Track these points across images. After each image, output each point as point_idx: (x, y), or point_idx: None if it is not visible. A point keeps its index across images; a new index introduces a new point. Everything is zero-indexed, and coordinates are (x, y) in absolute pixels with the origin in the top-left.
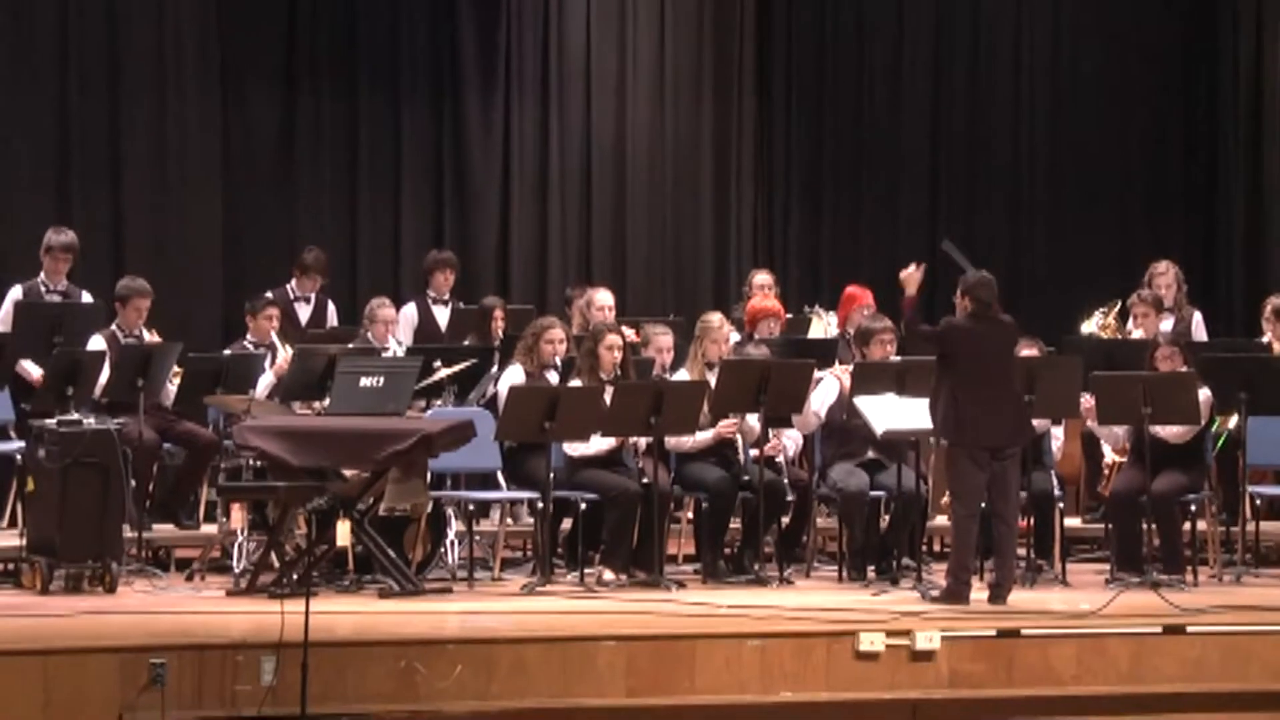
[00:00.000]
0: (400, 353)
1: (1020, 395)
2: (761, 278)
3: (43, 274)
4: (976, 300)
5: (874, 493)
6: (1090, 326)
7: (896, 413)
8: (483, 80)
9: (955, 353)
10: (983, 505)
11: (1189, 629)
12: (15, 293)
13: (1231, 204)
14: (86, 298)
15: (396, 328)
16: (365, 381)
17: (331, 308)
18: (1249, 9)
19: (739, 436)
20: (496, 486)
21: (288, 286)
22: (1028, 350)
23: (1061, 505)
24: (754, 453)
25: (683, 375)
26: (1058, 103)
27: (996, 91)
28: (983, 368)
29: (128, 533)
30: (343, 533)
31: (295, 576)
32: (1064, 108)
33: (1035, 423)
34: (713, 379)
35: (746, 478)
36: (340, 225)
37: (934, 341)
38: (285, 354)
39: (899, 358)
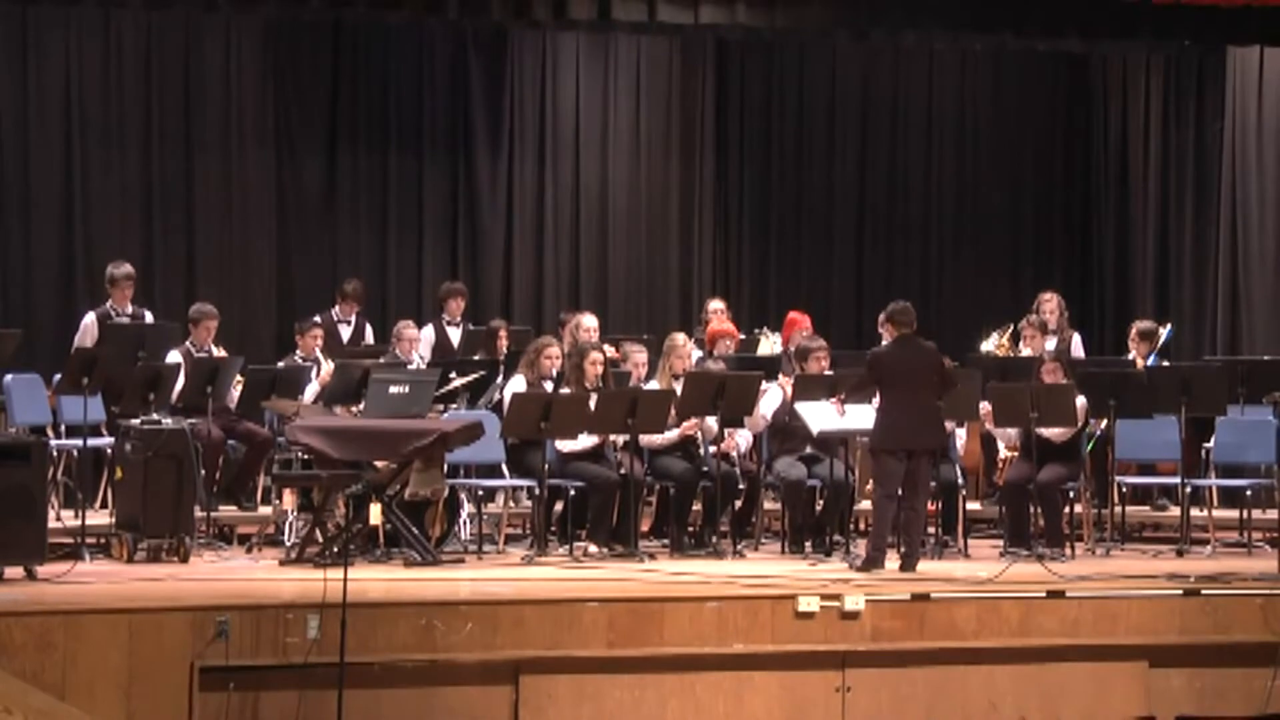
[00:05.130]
0: (422, 366)
1: (936, 406)
2: (715, 304)
3: (110, 301)
4: (897, 325)
5: (811, 481)
6: (988, 346)
7: (830, 415)
8: (490, 142)
9: (882, 376)
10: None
11: (1068, 593)
12: (89, 318)
13: (1103, 246)
14: (149, 318)
15: (419, 345)
16: (394, 389)
17: (368, 329)
18: (1116, 88)
19: (700, 435)
20: (500, 475)
21: (332, 311)
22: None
23: (964, 492)
24: (712, 448)
25: (654, 385)
26: (961, 163)
27: (911, 152)
28: (904, 385)
29: (198, 513)
30: (375, 513)
31: (335, 549)
32: (966, 166)
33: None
34: (678, 388)
35: (706, 469)
36: (373, 260)
37: (869, 375)
38: (328, 366)
39: (832, 371)
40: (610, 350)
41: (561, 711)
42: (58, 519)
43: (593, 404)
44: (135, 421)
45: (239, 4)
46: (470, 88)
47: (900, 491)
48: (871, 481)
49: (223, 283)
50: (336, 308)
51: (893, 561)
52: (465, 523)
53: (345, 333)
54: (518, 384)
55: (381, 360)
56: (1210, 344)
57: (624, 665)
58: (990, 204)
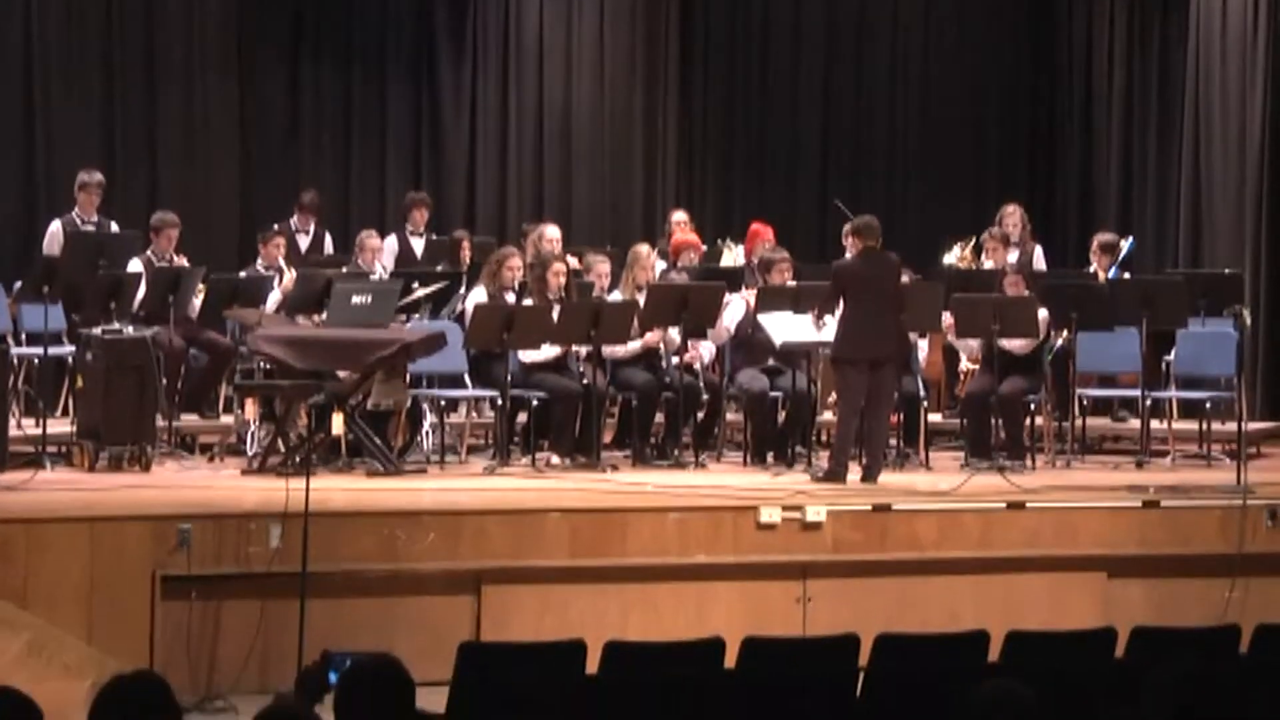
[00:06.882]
0: (385, 276)
1: (898, 318)
2: (678, 215)
3: (76, 209)
4: (864, 238)
5: (773, 393)
6: (951, 258)
7: (793, 327)
8: (454, 59)
9: (847, 287)
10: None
11: (1028, 505)
12: (55, 225)
13: (1067, 158)
14: (114, 228)
15: (382, 255)
16: (356, 299)
17: (328, 238)
18: (1081, 1)
19: (663, 346)
20: (463, 386)
21: (290, 221)
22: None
23: (925, 404)
24: (675, 360)
25: (617, 296)
26: (926, 72)
27: (877, 64)
28: (869, 297)
29: (160, 422)
30: (337, 423)
31: (298, 459)
32: (931, 76)
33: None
34: (642, 299)
35: (669, 380)
36: (336, 172)
37: (834, 286)
38: (290, 276)
39: (795, 283)
40: (573, 261)
41: (524, 621)
42: (18, 427)
43: (555, 315)
44: (96, 330)
45: None
46: (434, 7)
47: (863, 403)
48: (834, 394)
49: (185, 193)
50: (295, 218)
51: (854, 473)
52: (428, 433)
53: (304, 243)
54: (479, 295)
55: (344, 270)
56: (1172, 257)
57: (586, 575)
58: (955, 117)
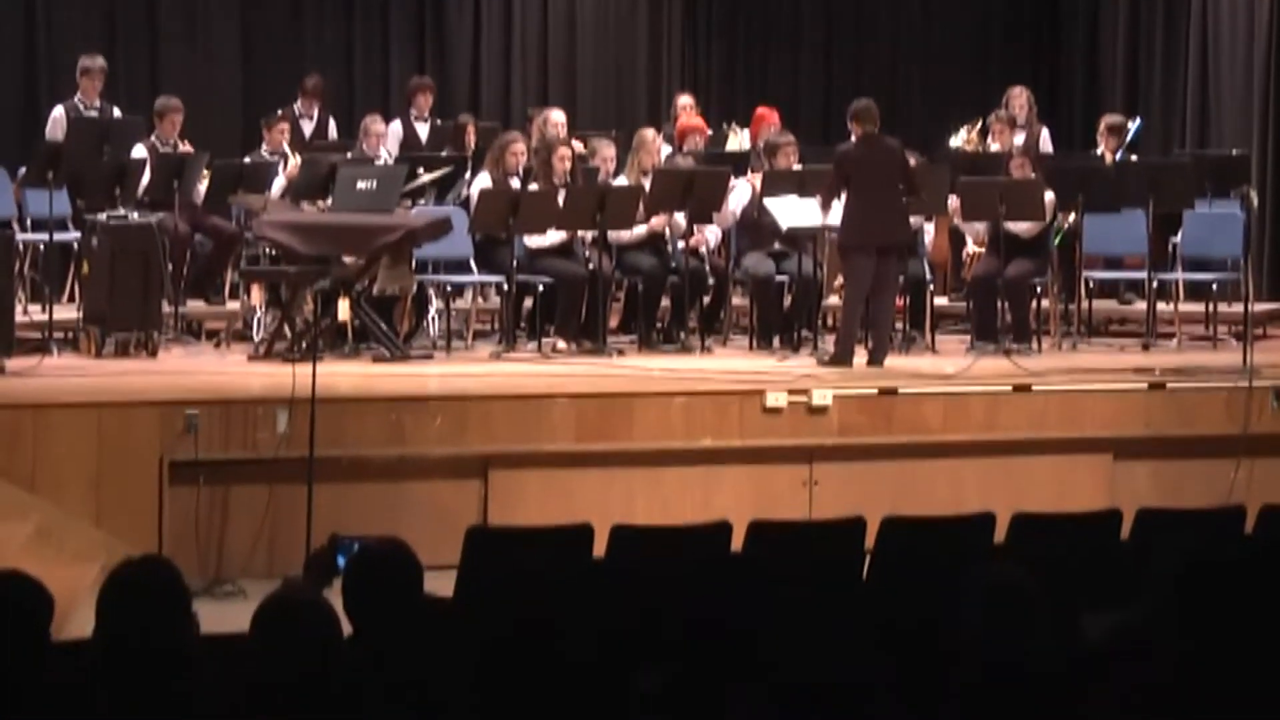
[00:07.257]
0: (389, 161)
1: (903, 202)
2: (684, 99)
3: (78, 95)
4: (861, 122)
5: (779, 277)
6: (957, 141)
7: (799, 211)
8: None
9: (849, 173)
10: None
11: (1034, 388)
12: (57, 111)
13: (1073, 39)
14: (117, 113)
15: (386, 140)
16: (361, 184)
17: (332, 123)
18: None
19: (668, 231)
20: (469, 271)
21: (293, 106)
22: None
23: (931, 287)
24: (681, 244)
25: (622, 181)
26: None
27: None
28: (872, 182)
29: (166, 307)
30: (343, 309)
31: (304, 344)
32: None
33: (911, 219)
34: (647, 184)
35: (675, 265)
36: (339, 55)
37: (836, 173)
38: (295, 161)
39: (800, 166)
40: (578, 146)
41: (530, 506)
42: (25, 313)
43: (561, 200)
44: (101, 216)
45: None
46: None
47: (869, 287)
48: (840, 278)
49: (189, 78)
50: (298, 103)
51: (860, 357)
52: (433, 319)
53: (308, 128)
54: (484, 180)
55: (348, 155)
56: (1179, 138)
57: (592, 460)
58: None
